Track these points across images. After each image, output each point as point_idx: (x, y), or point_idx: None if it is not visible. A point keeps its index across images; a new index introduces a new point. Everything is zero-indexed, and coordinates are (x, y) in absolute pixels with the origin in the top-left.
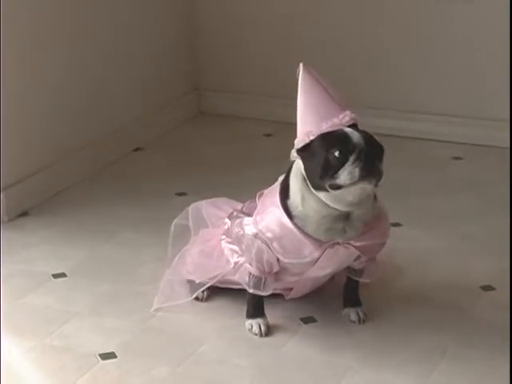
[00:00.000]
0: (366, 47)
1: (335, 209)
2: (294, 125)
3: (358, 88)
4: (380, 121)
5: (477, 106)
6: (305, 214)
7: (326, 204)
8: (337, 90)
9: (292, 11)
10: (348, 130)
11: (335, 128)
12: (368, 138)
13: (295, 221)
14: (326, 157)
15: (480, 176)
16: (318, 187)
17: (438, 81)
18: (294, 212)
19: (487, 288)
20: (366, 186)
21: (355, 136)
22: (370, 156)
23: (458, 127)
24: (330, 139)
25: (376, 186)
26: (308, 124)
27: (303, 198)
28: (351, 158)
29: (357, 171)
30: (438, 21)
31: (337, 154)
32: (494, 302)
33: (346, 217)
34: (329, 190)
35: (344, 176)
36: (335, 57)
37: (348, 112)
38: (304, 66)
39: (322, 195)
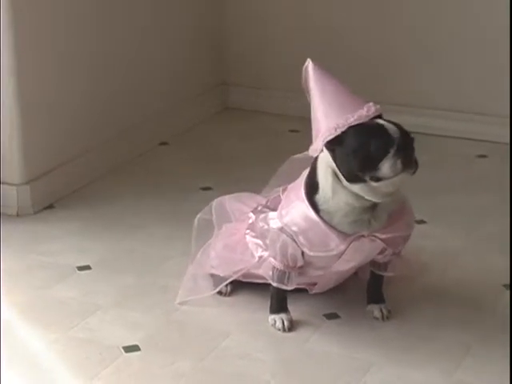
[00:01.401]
0: (391, 44)
1: (368, 200)
2: None
3: (384, 84)
4: (403, 118)
5: (502, 104)
6: (335, 207)
7: (359, 196)
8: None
9: (317, 10)
10: (381, 121)
11: (363, 120)
12: (401, 129)
13: (321, 214)
14: (364, 149)
15: (504, 174)
16: (355, 180)
17: (462, 79)
18: (322, 206)
19: (510, 286)
20: (405, 177)
21: (391, 128)
22: (407, 147)
23: (483, 125)
24: (367, 131)
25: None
26: (333, 118)
27: (334, 192)
28: (392, 151)
29: (399, 163)
30: (463, 18)
31: (377, 146)
32: None
33: (372, 207)
34: (369, 182)
35: (386, 168)
36: (360, 53)
37: (371, 104)
38: (313, 61)
39: (356, 188)
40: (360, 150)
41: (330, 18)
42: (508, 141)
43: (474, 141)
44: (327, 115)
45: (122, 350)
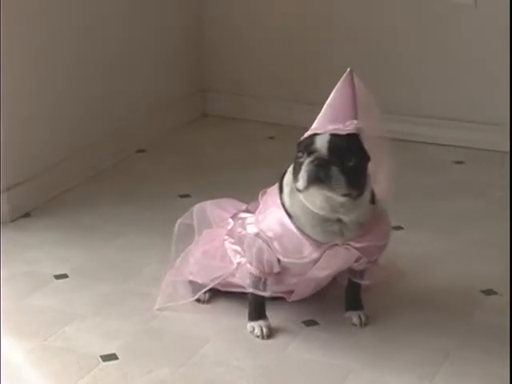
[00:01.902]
0: (370, 51)
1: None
2: (298, 128)
3: None
4: (383, 121)
5: (478, 111)
6: (294, 211)
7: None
8: (379, 101)
9: (296, 16)
10: (324, 135)
11: (335, 132)
12: (337, 146)
13: (293, 220)
14: (297, 158)
15: (481, 180)
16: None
17: (439, 85)
18: (290, 210)
19: (489, 292)
20: (325, 193)
21: (320, 141)
22: (327, 162)
23: (460, 131)
24: (309, 142)
25: (345, 195)
26: (320, 123)
27: (291, 192)
28: (306, 162)
29: (306, 176)
30: (442, 26)
31: (300, 157)
32: (496, 306)
33: (339, 220)
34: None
35: (300, 180)
36: (339, 61)
37: (355, 121)
38: (350, 71)
39: (300, 195)
40: (295, 159)
41: (310, 26)
42: (484, 147)
43: (450, 147)
44: (318, 119)
45: (100, 359)
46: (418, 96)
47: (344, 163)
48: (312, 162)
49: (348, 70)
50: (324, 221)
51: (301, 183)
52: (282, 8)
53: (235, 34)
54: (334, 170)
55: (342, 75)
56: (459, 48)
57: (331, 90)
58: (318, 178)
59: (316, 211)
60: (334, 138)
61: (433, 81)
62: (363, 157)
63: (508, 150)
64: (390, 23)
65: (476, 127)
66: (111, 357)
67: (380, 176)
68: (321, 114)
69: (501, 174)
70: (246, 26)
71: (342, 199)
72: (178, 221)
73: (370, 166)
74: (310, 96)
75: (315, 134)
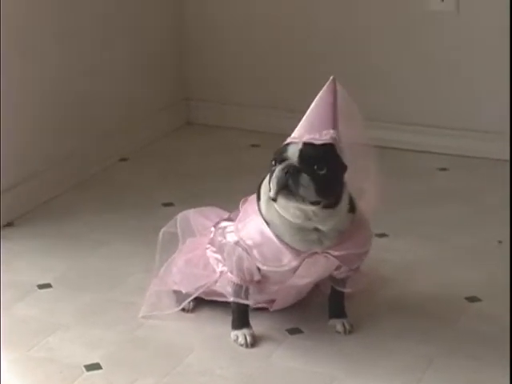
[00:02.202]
0: (353, 58)
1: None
2: (281, 135)
3: None
4: (367, 129)
5: (462, 118)
6: (272, 220)
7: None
8: (363, 109)
9: (279, 23)
10: (298, 144)
11: (310, 141)
12: (308, 154)
13: (271, 228)
14: (270, 166)
15: (465, 187)
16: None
17: (421, 91)
18: (267, 217)
19: (473, 299)
20: (292, 204)
21: (292, 149)
22: (297, 169)
23: (444, 138)
24: (277, 150)
25: (313, 203)
26: (298, 132)
27: (268, 201)
28: (277, 169)
29: (275, 183)
30: (424, 33)
31: (272, 163)
32: (480, 313)
33: (316, 229)
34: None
35: (272, 188)
36: (323, 68)
37: (332, 131)
38: (332, 79)
39: (275, 205)
40: (269, 166)
41: (293, 34)
42: (468, 154)
43: (434, 154)
44: (298, 127)
45: (84, 369)
46: (402, 103)
47: (315, 171)
48: (282, 169)
49: (331, 78)
50: (301, 230)
51: (272, 192)
52: (264, 17)
53: (218, 42)
54: (304, 178)
55: (326, 82)
56: (442, 55)
57: (315, 98)
58: (286, 186)
59: (291, 220)
60: (307, 146)
61: (415, 88)
62: (338, 166)
63: (492, 156)
64: (374, 31)
65: (459, 134)
66: (95, 366)
67: (367, 185)
68: (300, 123)
69: (484, 181)
70: (228, 35)
71: (311, 207)
72: (162, 229)
73: (355, 175)
74: (294, 104)
75: (290, 143)
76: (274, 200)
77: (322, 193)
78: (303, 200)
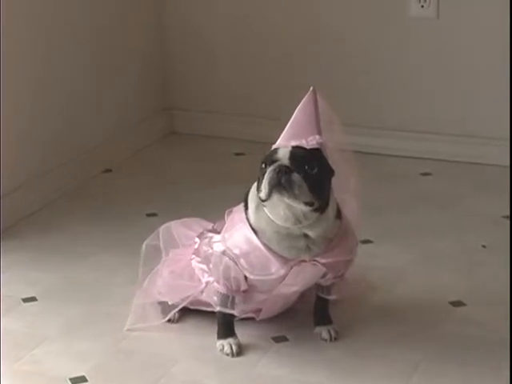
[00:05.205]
0: (333, 62)
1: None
2: (265, 144)
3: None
4: (347, 137)
5: (444, 122)
6: (260, 227)
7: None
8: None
9: (261, 33)
10: (287, 147)
11: (300, 145)
12: (299, 155)
13: (259, 236)
14: (261, 170)
15: (449, 192)
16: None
17: (404, 97)
18: (254, 225)
19: (458, 303)
20: (286, 200)
21: (282, 151)
22: (289, 169)
23: (426, 143)
24: (272, 153)
25: (307, 203)
26: (283, 139)
27: (257, 208)
28: (268, 170)
29: (267, 183)
30: (405, 39)
31: (262, 166)
32: (465, 317)
33: (305, 235)
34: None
35: (263, 188)
36: (304, 76)
37: (317, 136)
38: (313, 90)
39: (265, 209)
40: (260, 170)
41: (276, 42)
42: (451, 158)
43: (416, 159)
44: (282, 135)
45: (70, 382)
46: (383, 109)
47: (306, 171)
48: (274, 169)
49: (311, 88)
50: (290, 236)
51: (263, 192)
52: (247, 27)
53: (200, 51)
54: (296, 177)
55: (308, 89)
56: (423, 60)
57: (297, 107)
58: (279, 184)
59: (281, 224)
60: (297, 149)
61: (397, 93)
62: (327, 169)
63: (474, 161)
64: (353, 38)
65: (442, 139)
66: (81, 379)
67: (347, 196)
68: (284, 132)
69: (468, 186)
70: (211, 44)
71: (303, 208)
72: (145, 242)
73: (337, 181)
74: (278, 112)
75: (278, 148)
76: (265, 201)
77: (315, 192)
78: (296, 199)
